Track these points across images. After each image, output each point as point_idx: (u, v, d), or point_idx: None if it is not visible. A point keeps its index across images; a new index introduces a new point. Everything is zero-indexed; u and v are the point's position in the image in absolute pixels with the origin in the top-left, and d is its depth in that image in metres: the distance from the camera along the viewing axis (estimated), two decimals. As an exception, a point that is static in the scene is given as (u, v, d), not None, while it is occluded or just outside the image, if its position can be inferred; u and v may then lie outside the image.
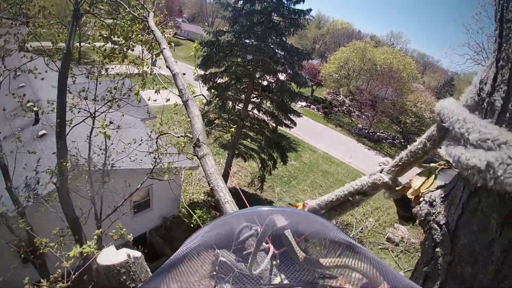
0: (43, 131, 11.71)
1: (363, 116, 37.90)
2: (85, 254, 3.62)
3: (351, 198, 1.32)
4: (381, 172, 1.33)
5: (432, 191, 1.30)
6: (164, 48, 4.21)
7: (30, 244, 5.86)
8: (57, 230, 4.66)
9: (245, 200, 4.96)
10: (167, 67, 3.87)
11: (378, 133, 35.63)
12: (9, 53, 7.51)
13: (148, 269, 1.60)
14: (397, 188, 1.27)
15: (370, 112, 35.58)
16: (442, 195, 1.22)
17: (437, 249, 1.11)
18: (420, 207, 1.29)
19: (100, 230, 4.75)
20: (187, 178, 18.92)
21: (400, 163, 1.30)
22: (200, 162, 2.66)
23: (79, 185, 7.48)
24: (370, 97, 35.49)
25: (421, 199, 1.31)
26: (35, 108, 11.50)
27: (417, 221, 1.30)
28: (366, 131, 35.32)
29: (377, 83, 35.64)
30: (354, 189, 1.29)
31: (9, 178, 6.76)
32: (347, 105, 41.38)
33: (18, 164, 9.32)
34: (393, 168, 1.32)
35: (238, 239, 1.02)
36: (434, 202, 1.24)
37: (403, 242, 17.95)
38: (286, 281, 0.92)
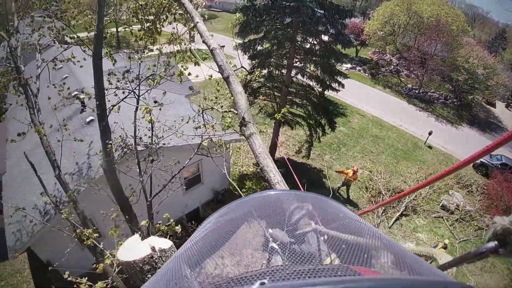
0: (91, 117, 12.02)
1: (412, 76, 35.44)
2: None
3: None
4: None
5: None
6: (197, 22, 3.85)
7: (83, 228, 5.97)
8: (105, 212, 4.59)
9: (292, 171, 4.71)
10: (203, 42, 3.57)
11: (429, 93, 33.21)
12: (45, 47, 7.65)
13: None
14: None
15: (420, 71, 33.14)
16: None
17: None
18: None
19: (146, 221, 4.57)
20: (235, 152, 19.01)
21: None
22: (248, 141, 2.53)
23: (129, 165, 7.53)
24: (419, 54, 32.97)
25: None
26: (81, 96, 11.79)
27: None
28: (417, 91, 33.16)
29: (425, 38, 32.89)
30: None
31: (58, 166, 6.88)
32: (394, 64, 38.75)
33: (69, 151, 9.70)
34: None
35: (290, 219, 1.01)
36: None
37: (459, 210, 17.07)
38: (337, 260, 0.90)
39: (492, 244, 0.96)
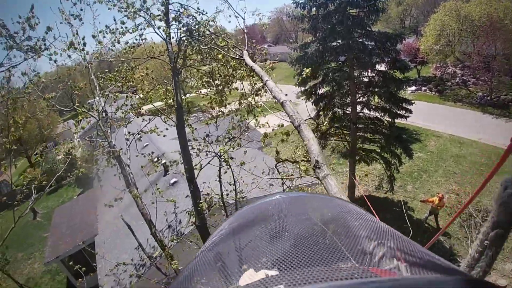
0: (174, 179, 13.05)
1: (480, 83, 32.70)
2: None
3: None
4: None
5: None
6: (266, 80, 4.26)
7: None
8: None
9: (372, 209, 4.69)
10: (273, 97, 3.90)
11: (502, 97, 30.34)
12: (129, 120, 8.69)
13: None
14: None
15: (486, 76, 30.59)
16: None
17: None
18: None
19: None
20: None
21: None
22: (322, 183, 2.56)
23: (216, 220, 8.08)
24: (481, 59, 30.66)
25: None
26: (163, 161, 12.91)
27: None
28: (489, 98, 30.61)
29: (482, 40, 30.85)
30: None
31: (153, 224, 7.52)
32: (459, 75, 36.53)
33: (158, 211, 10.60)
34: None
35: None
36: None
37: None
38: None
39: None
